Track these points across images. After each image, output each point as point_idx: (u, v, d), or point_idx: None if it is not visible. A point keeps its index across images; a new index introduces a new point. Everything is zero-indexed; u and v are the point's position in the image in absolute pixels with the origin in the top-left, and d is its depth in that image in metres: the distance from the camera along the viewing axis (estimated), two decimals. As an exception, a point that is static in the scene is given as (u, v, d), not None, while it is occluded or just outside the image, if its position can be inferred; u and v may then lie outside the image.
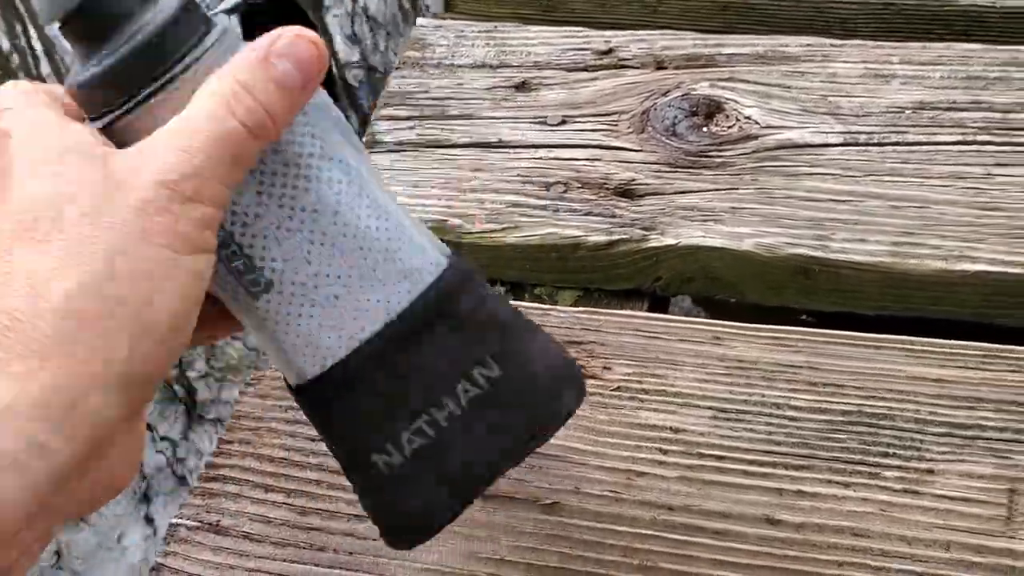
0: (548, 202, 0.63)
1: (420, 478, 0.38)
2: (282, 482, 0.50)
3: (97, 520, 1.31)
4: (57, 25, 0.32)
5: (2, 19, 2.40)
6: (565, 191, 0.63)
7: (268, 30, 0.34)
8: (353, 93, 2.09)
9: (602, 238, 0.60)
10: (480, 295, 0.39)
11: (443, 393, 0.38)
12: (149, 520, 1.36)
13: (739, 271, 0.59)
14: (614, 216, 0.61)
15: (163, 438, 1.43)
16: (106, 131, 0.33)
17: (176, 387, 1.50)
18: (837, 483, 0.47)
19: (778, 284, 0.59)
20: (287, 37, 0.32)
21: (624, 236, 0.59)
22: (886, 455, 0.48)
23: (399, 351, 0.37)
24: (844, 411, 0.50)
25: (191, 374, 1.51)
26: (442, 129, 0.69)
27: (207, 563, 0.47)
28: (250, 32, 0.35)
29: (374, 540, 0.47)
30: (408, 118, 0.70)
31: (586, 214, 0.61)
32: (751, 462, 0.49)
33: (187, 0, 0.33)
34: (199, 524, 0.49)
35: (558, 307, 0.58)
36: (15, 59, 2.39)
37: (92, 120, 0.34)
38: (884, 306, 0.58)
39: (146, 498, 1.37)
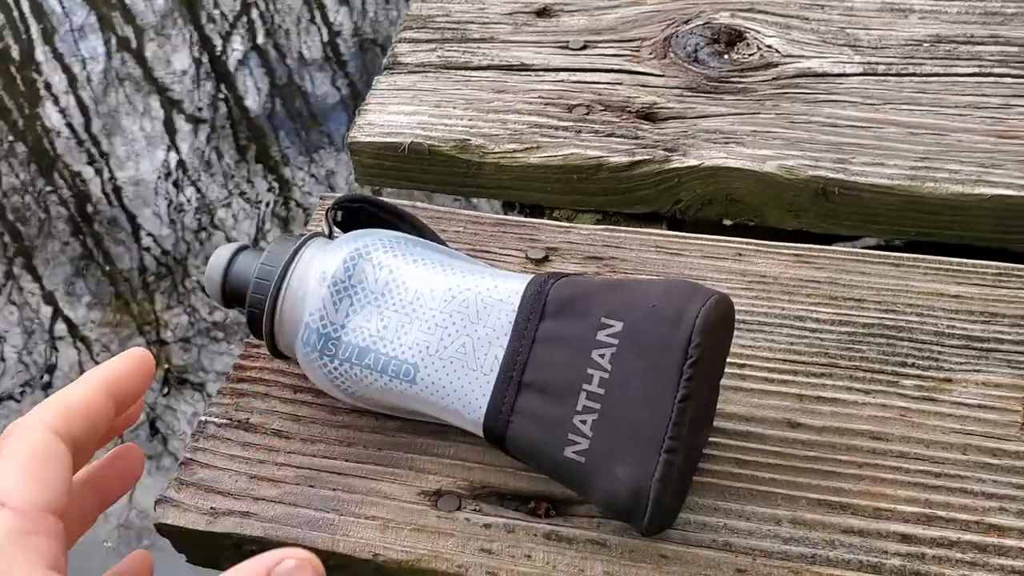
0: (570, 123, 0.63)
1: (611, 449, 0.40)
2: (309, 383, 0.51)
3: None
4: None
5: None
6: (587, 113, 0.63)
7: (368, 220, 0.49)
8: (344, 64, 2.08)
9: (624, 159, 0.60)
10: (568, 280, 0.43)
11: (586, 366, 0.41)
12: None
13: (760, 193, 0.59)
14: (637, 138, 0.61)
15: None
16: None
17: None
18: (857, 390, 0.48)
19: (798, 207, 0.59)
20: (290, 563, 0.32)
21: (647, 157, 0.60)
22: (904, 364, 0.49)
23: (527, 358, 0.42)
24: (864, 323, 0.51)
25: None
26: (463, 52, 0.69)
27: (236, 458, 0.48)
28: (350, 224, 0.50)
29: (404, 437, 0.48)
30: (429, 41, 0.70)
31: (608, 135, 0.62)
32: (772, 370, 0.50)
33: (239, 247, 0.49)
34: (228, 421, 0.50)
35: (580, 225, 0.59)
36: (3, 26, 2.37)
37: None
38: (901, 230, 0.59)
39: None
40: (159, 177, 1.87)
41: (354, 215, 0.50)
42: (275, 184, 1.83)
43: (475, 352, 0.43)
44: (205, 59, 2.16)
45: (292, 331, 0.46)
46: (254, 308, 0.47)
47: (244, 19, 2.29)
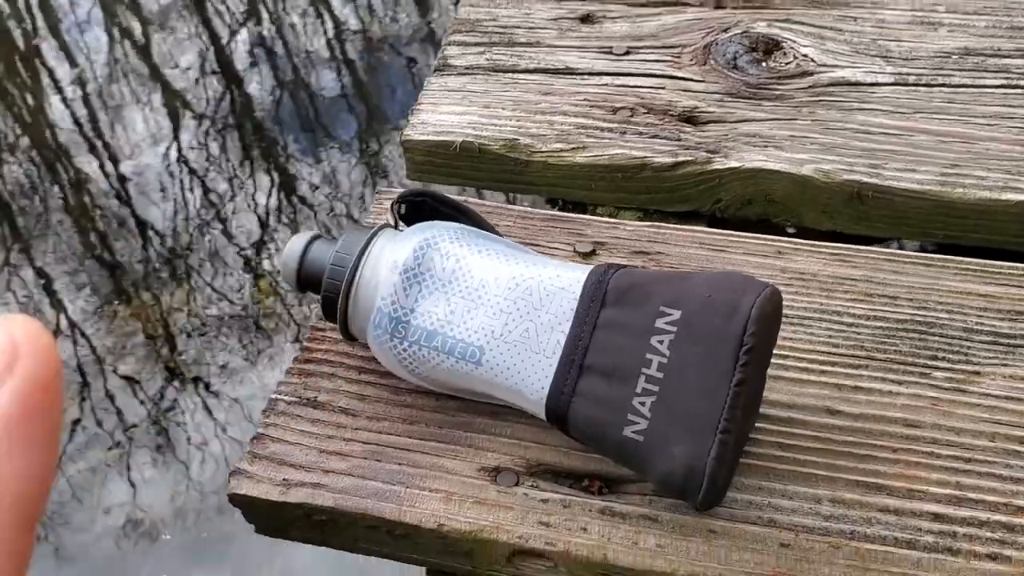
0: (615, 125, 0.66)
1: (669, 429, 0.43)
2: (374, 364, 0.54)
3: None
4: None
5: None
6: (631, 116, 0.66)
7: (429, 214, 0.52)
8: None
9: (668, 159, 0.63)
10: (627, 271, 0.46)
11: (645, 352, 0.44)
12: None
13: (797, 194, 0.62)
14: (679, 140, 0.64)
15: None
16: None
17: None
18: (891, 381, 0.51)
19: (832, 208, 0.62)
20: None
21: (689, 158, 0.63)
22: (936, 358, 0.52)
23: (588, 343, 0.45)
24: (898, 319, 0.54)
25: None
26: (511, 55, 0.72)
27: (306, 433, 0.51)
28: (412, 217, 0.53)
29: (464, 416, 0.51)
30: (478, 44, 0.73)
31: (652, 137, 0.65)
32: (812, 361, 0.53)
33: (312, 237, 0.52)
34: (297, 399, 0.53)
35: (625, 221, 0.62)
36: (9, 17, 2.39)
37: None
38: (930, 233, 0.62)
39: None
40: (162, 171, 1.88)
41: (416, 208, 0.54)
42: (279, 179, 1.85)
43: (538, 336, 0.46)
44: (211, 53, 2.18)
45: (365, 315, 0.49)
46: (329, 293, 0.50)
47: (251, 14, 2.31)
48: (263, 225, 1.76)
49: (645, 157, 0.64)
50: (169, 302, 1.64)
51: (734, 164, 0.62)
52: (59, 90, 2.13)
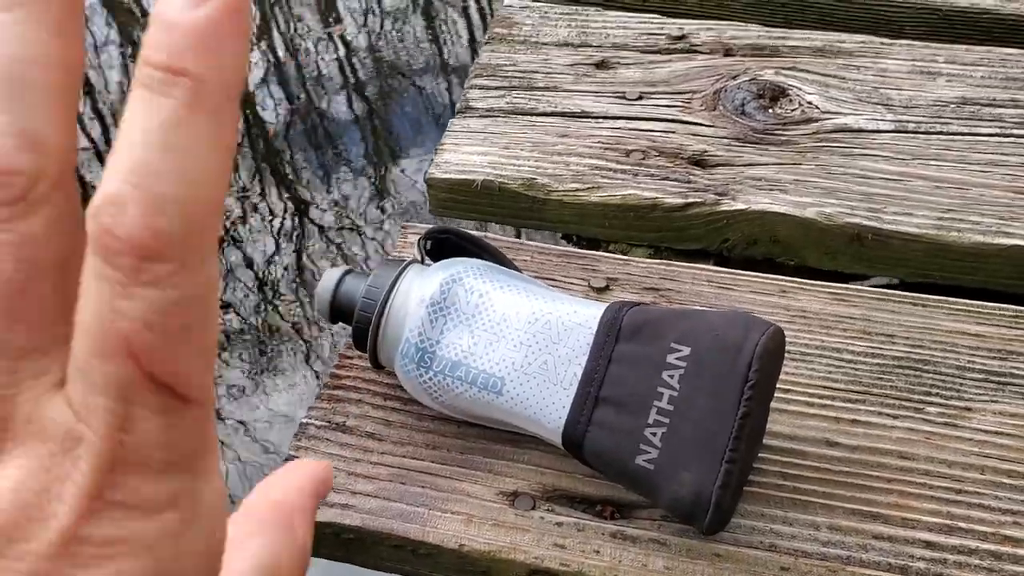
0: (628, 167, 0.70)
1: (678, 458, 0.46)
2: (398, 391, 0.57)
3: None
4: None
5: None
6: (643, 158, 0.70)
7: (452, 250, 0.56)
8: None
9: (678, 200, 0.67)
10: (641, 308, 0.50)
11: (656, 385, 0.47)
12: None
13: (801, 236, 0.66)
14: (689, 182, 0.68)
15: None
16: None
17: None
18: (887, 415, 0.55)
19: (834, 249, 0.66)
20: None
21: (698, 200, 0.66)
22: (929, 394, 0.55)
23: (603, 376, 0.48)
24: (894, 356, 0.57)
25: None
26: (529, 99, 0.76)
27: (335, 456, 0.55)
28: (436, 252, 0.56)
29: (483, 443, 0.54)
30: (498, 88, 0.77)
31: (663, 179, 0.68)
32: (812, 395, 0.56)
33: (345, 271, 0.56)
34: (327, 424, 0.56)
35: (637, 258, 0.65)
36: None
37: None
38: (927, 274, 0.65)
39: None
40: None
41: (440, 244, 0.57)
42: (290, 203, 1.87)
43: (556, 369, 0.50)
44: None
45: (393, 345, 0.53)
46: (360, 324, 0.53)
47: (263, 36, 2.34)
48: (276, 246, 1.79)
49: (656, 198, 0.67)
50: None
51: (741, 206, 0.66)
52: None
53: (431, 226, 0.59)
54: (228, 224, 1.84)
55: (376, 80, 2.15)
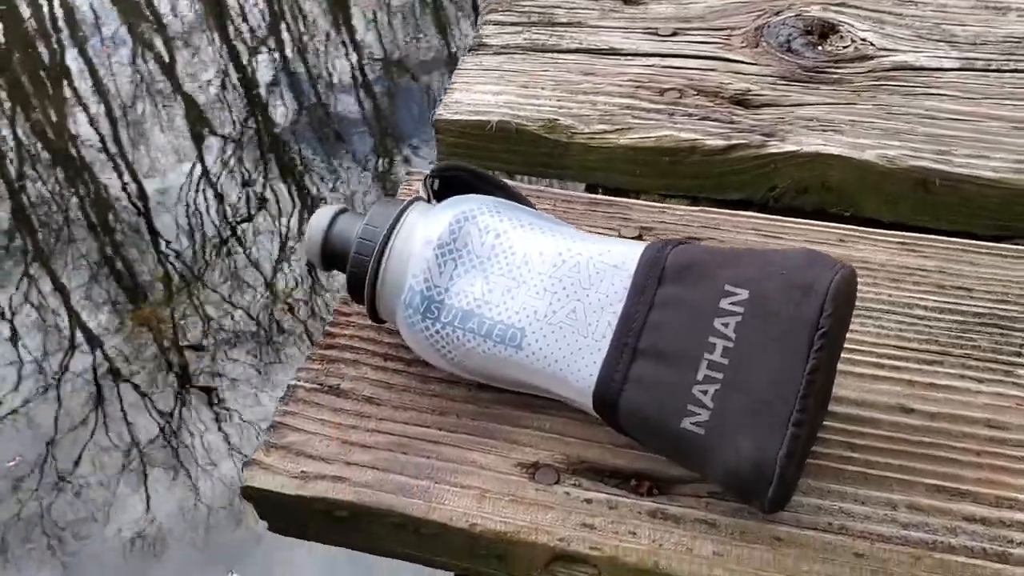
0: (663, 106, 0.62)
1: (733, 421, 0.38)
2: (402, 351, 0.50)
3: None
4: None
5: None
6: (680, 97, 0.62)
7: (464, 190, 0.47)
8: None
9: (720, 142, 0.59)
10: (688, 247, 0.42)
11: (708, 334, 0.39)
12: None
13: (857, 181, 0.58)
14: (732, 122, 0.60)
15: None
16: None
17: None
18: (970, 378, 0.47)
19: (895, 197, 0.58)
20: None
21: (743, 141, 0.59)
22: (1019, 355, 0.48)
23: (643, 324, 0.41)
24: (975, 313, 0.50)
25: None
26: (551, 35, 0.68)
27: (327, 423, 0.47)
28: (445, 194, 0.48)
29: (499, 408, 0.47)
30: (514, 24, 0.69)
31: (703, 119, 0.61)
32: (881, 355, 0.48)
33: (341, 210, 0.48)
34: (318, 386, 0.49)
35: (675, 206, 0.58)
36: (32, 23, 2.39)
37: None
38: (1004, 225, 0.57)
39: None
40: (183, 187, 1.87)
41: (450, 184, 0.49)
42: (298, 200, 1.83)
43: (586, 318, 0.42)
44: (233, 72, 2.18)
45: (394, 294, 0.45)
46: (356, 269, 0.46)
47: (273, 35, 2.30)
48: (282, 243, 1.73)
49: (695, 140, 0.59)
50: (186, 316, 1.62)
51: (791, 148, 0.58)
52: (84, 107, 2.12)
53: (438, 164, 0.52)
54: (231, 217, 1.78)
55: (384, 78, 2.10)
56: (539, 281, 0.43)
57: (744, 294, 0.39)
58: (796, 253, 0.40)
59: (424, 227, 0.45)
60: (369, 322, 0.51)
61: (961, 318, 0.49)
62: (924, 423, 0.45)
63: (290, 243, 1.73)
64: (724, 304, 0.40)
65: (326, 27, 2.34)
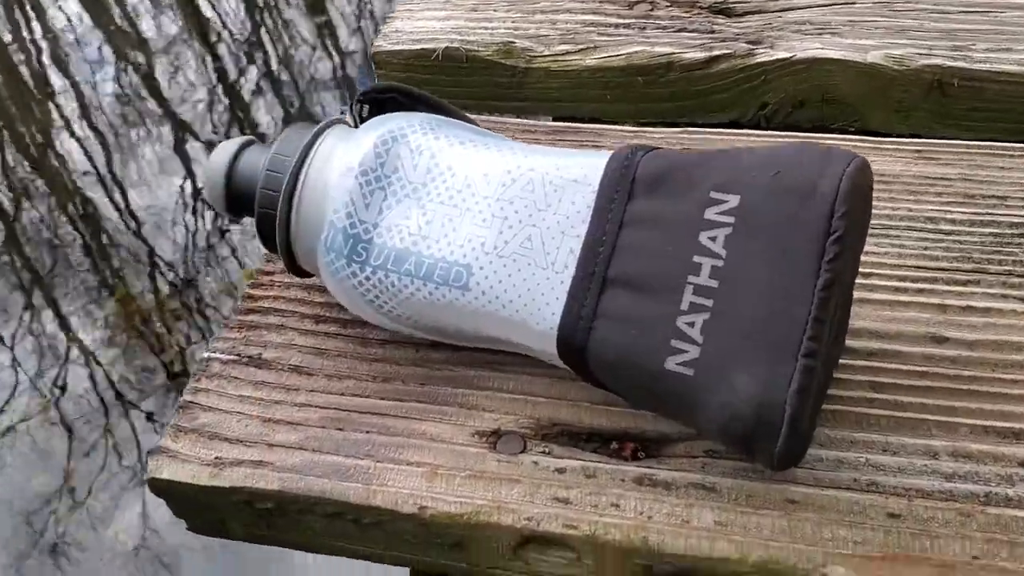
0: (632, 20, 0.54)
1: (730, 355, 0.30)
2: (336, 312, 0.42)
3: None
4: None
5: (3, 7, 2.35)
6: (651, 9, 0.54)
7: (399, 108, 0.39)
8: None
9: (700, 54, 0.51)
10: (661, 152, 0.35)
11: (692, 253, 0.32)
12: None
13: (863, 89, 0.50)
14: (712, 32, 0.52)
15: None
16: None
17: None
18: (1013, 298, 0.39)
19: (908, 104, 0.50)
20: None
21: (726, 51, 0.51)
22: (1069, 268, 0.40)
23: (612, 248, 0.33)
24: (1012, 223, 0.42)
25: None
26: (502, -46, 0.60)
27: (246, 399, 0.39)
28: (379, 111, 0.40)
29: (451, 369, 0.39)
30: (462, -55, 0.61)
31: (679, 31, 0.53)
32: (904, 278, 0.40)
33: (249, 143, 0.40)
34: (236, 358, 0.41)
35: (652, 128, 0.50)
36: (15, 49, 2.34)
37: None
38: (1034, 127, 0.50)
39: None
40: (173, 204, 1.84)
41: (381, 108, 0.41)
42: None
43: (544, 246, 0.34)
44: (217, 84, 2.15)
45: (313, 234, 0.37)
46: (265, 208, 0.38)
47: (256, 45, 2.28)
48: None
49: (672, 53, 0.51)
50: (181, 333, 1.58)
51: (782, 55, 0.50)
52: (68, 125, 2.09)
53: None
54: (222, 231, 1.75)
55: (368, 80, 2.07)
56: (485, 206, 0.35)
57: (734, 201, 0.32)
58: (794, 146, 0.32)
59: (344, 151, 0.37)
60: (297, 280, 0.44)
61: (996, 230, 0.42)
62: (962, 353, 0.37)
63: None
64: (710, 214, 0.32)
65: (307, 35, 2.30)
